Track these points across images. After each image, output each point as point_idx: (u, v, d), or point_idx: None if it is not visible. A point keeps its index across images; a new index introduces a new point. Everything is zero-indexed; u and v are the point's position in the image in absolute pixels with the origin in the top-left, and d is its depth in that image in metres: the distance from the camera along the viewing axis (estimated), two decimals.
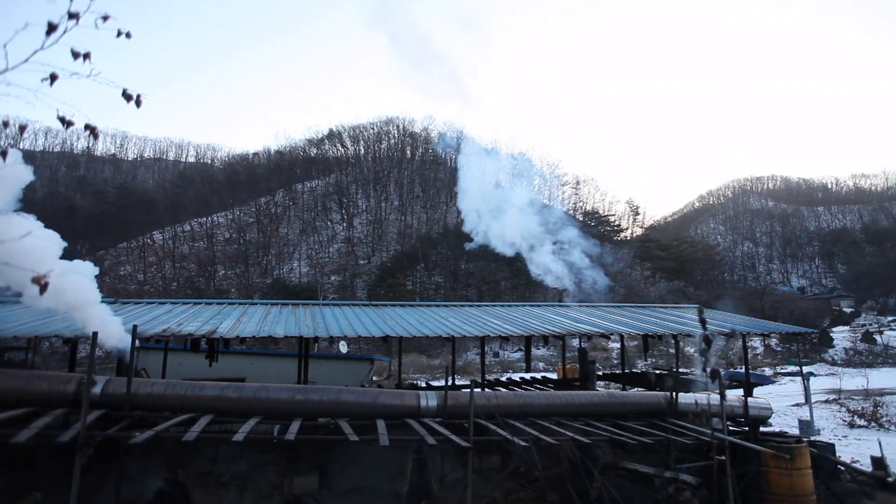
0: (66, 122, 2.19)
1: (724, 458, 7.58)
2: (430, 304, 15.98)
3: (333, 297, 54.28)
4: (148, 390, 7.56)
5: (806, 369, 23.82)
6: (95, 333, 6.56)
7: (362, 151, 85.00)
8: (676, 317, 14.15)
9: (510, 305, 15.83)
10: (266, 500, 8.01)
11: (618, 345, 37.92)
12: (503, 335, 10.92)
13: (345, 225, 72.83)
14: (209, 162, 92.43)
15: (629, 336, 12.41)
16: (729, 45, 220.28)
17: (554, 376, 21.43)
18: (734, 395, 11.10)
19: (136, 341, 7.43)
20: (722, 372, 7.26)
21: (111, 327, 7.46)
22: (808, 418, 13.22)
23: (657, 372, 14.75)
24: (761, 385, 24.20)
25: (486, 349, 13.93)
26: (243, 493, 7.99)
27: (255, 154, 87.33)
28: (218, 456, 7.99)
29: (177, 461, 7.78)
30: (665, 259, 61.81)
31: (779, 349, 38.25)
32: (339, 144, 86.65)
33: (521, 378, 16.66)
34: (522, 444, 7.36)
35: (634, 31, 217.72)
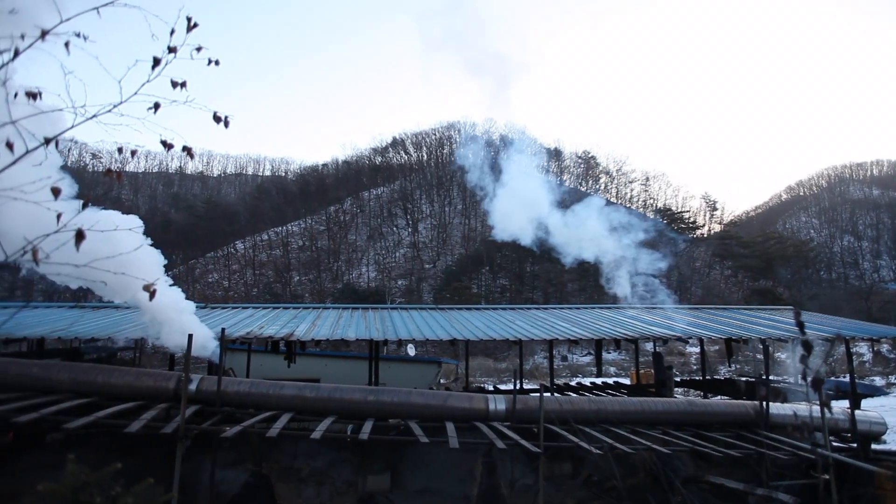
0: (167, 145, 2.44)
1: (827, 476, 6.84)
2: (496, 307, 15.91)
3: (401, 300, 55.65)
4: (235, 388, 8.16)
5: None
6: (191, 336, 7.20)
7: (425, 157, 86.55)
8: (764, 319, 13.04)
9: (579, 308, 15.38)
10: (342, 496, 8.34)
11: (696, 349, 35.53)
12: (572, 338, 10.62)
13: (410, 230, 74.45)
14: (283, 175, 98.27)
15: (710, 340, 11.60)
16: (818, 15, 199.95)
17: (627, 381, 20.52)
18: (838, 407, 10.01)
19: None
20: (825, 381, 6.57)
21: (202, 338, 8.24)
22: None
23: (747, 379, 13.65)
24: (871, 396, 21.57)
25: (554, 353, 13.64)
26: (321, 489, 8.38)
27: (324, 165, 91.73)
28: (297, 452, 8.43)
29: (261, 455, 8.32)
30: (748, 257, 57.03)
31: (892, 356, 33.96)
32: (402, 151, 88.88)
33: (591, 383, 16.11)
34: (596, 451, 7.10)
35: (708, 9, 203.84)
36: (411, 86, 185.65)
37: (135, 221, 7.37)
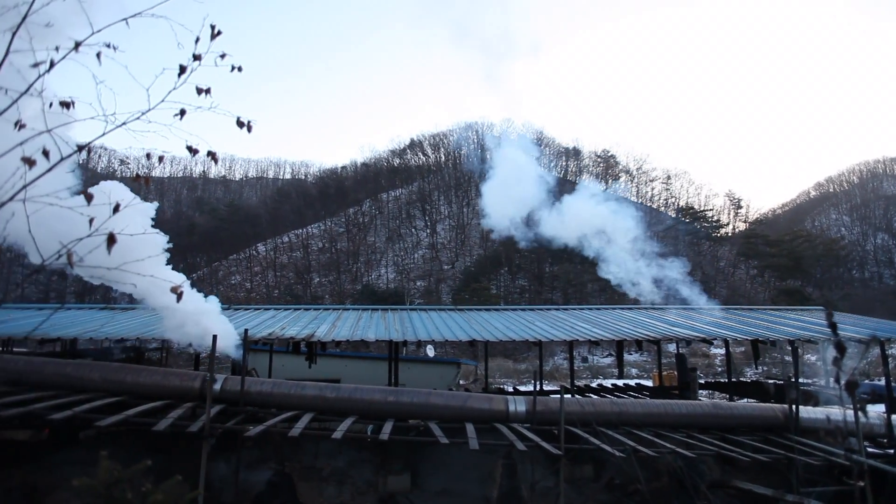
0: (192, 151, 2.49)
1: (863, 483, 6.60)
2: (515, 307, 15.85)
3: (419, 301, 55.83)
4: (258, 388, 8.30)
5: None
6: (215, 337, 7.35)
7: (443, 159, 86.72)
8: (793, 320, 12.68)
9: (599, 308, 15.21)
10: (362, 495, 8.41)
11: (721, 351, 34.71)
12: (592, 339, 10.52)
13: (428, 231, 74.68)
14: (303, 178, 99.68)
15: (735, 342, 11.33)
16: (847, 5, 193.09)
17: (649, 383, 20.20)
18: (874, 411, 9.67)
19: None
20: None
21: (227, 339, 8.45)
22: None
23: (775, 382, 13.29)
24: None
25: (574, 354, 13.50)
26: (342, 488, 8.46)
27: (343, 167, 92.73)
28: (319, 451, 8.53)
29: (284, 454, 8.45)
30: (775, 256, 55.48)
31: None
32: (420, 153, 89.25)
33: (612, 384, 15.90)
34: (619, 454, 7.01)
35: (731, 2, 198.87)
36: (429, 88, 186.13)
37: (149, 211, 7.48)
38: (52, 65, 1.94)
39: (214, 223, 75.22)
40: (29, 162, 1.72)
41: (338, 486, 8.47)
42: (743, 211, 78.77)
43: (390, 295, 53.81)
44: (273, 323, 12.02)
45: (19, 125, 1.99)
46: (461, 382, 20.99)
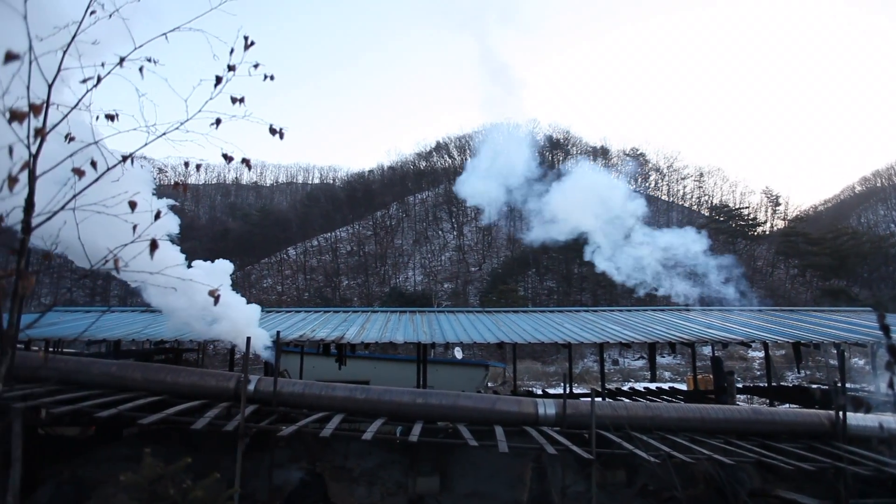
0: (227, 158, 2.58)
1: None
2: (543, 309, 15.68)
3: (447, 304, 55.90)
4: (290, 389, 8.48)
5: None
6: (249, 339, 7.56)
7: (469, 161, 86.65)
8: (838, 321, 12.11)
9: (630, 310, 14.90)
10: (392, 497, 8.47)
11: (759, 354, 33.40)
12: (623, 342, 10.32)
13: (455, 233, 74.76)
14: (331, 182, 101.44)
15: (775, 344, 10.88)
16: None
17: (683, 387, 19.61)
18: None
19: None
20: None
21: (260, 338, 8.67)
22: None
23: (819, 387, 12.70)
24: None
25: (604, 356, 13.22)
26: (372, 489, 8.54)
27: (370, 171, 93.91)
28: (349, 452, 8.65)
29: (315, 454, 8.60)
30: (818, 255, 53.03)
31: None
32: (446, 155, 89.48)
33: (645, 388, 15.52)
34: (652, 459, 6.83)
35: None
36: (455, 91, 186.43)
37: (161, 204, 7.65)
38: (99, 80, 2.04)
39: (247, 228, 77.39)
40: (79, 172, 1.81)
41: (368, 486, 8.56)
42: (781, 208, 75.68)
43: (418, 297, 54.07)
44: (304, 325, 12.27)
45: (69, 138, 2.10)
46: (489, 385, 20.88)
